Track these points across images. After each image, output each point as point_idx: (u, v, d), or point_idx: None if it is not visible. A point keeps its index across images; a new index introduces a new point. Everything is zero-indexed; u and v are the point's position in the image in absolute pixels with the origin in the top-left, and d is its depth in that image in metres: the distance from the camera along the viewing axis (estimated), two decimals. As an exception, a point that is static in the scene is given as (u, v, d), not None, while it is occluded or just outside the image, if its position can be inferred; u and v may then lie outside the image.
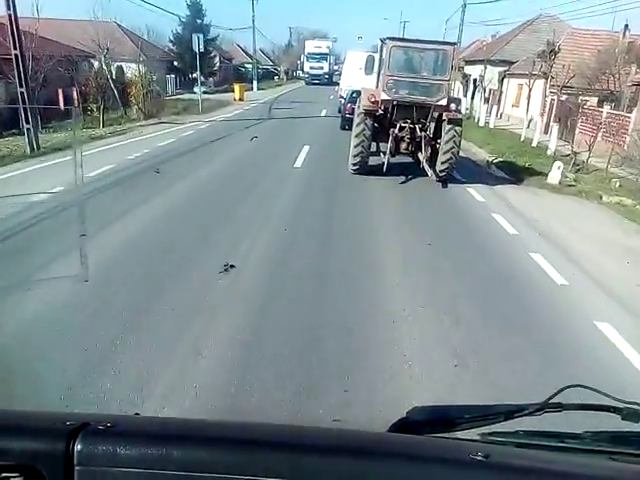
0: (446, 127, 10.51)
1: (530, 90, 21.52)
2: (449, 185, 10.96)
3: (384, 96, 10.53)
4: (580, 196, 11.14)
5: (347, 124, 15.66)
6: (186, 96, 32.54)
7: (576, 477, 0.85)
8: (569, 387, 1.10)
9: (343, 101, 19.73)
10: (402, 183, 11.04)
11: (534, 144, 18.02)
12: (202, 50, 23.74)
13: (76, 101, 21.88)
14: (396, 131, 10.94)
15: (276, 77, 70.56)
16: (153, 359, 3.88)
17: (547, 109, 21.49)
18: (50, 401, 3.22)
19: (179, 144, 14.77)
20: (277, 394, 3.54)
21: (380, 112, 10.81)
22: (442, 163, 10.68)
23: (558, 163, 12.15)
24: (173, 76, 40.08)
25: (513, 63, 27.54)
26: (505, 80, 28.63)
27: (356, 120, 11.01)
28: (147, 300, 4.84)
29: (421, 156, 11.18)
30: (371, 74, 12.03)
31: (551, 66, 19.94)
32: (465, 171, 12.17)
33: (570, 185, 12.03)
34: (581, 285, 5.93)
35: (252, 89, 43.95)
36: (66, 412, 0.96)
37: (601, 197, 11.07)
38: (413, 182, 11.22)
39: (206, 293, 5.07)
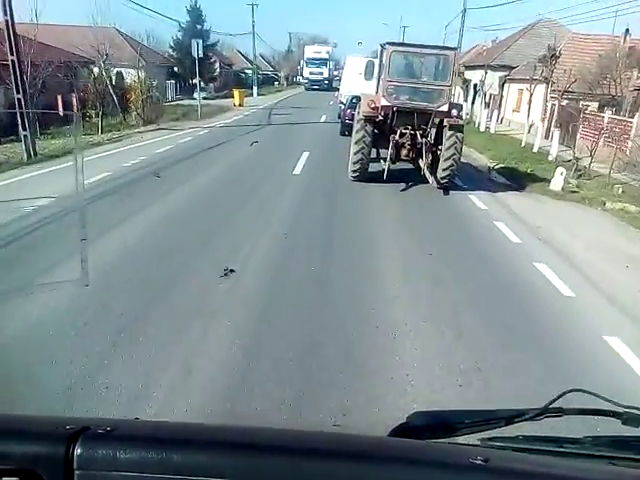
0: (447, 133, 10.35)
1: (531, 95, 21.42)
2: (450, 192, 10.79)
3: (384, 102, 10.38)
4: (583, 203, 10.99)
5: (347, 130, 15.57)
6: (186, 102, 32.49)
7: None
8: (569, 392, 1.09)
9: (343, 107, 19.63)
10: (403, 190, 10.88)
11: (535, 149, 17.91)
12: (201, 56, 23.66)
13: (75, 107, 21.82)
14: (396, 137, 10.78)
15: (276, 82, 70.66)
16: (152, 364, 3.87)
17: (548, 114, 21.38)
18: (50, 405, 3.21)
19: (177, 151, 14.61)
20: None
21: (380, 118, 10.65)
22: (443, 170, 10.52)
23: (561, 169, 12.00)
24: (173, 82, 40.05)
25: (513, 68, 27.48)
26: (505, 85, 28.55)
27: (356, 126, 10.86)
28: (145, 306, 4.81)
29: (422, 163, 11.03)
30: (371, 79, 11.89)
31: (552, 71, 19.84)
32: (466, 177, 12.03)
33: (573, 191, 11.88)
34: (588, 296, 5.75)
35: (252, 95, 43.97)
36: (66, 416, 0.99)
37: (604, 203, 10.92)
38: (414, 189, 11.06)
39: (205, 299, 4.99)
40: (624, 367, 4.22)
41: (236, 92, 34.53)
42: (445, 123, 10.40)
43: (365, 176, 11.07)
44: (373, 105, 10.44)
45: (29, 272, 5.49)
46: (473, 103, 31.39)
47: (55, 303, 4.75)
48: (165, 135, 18.23)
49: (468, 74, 33.85)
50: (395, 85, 10.48)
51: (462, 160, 11.28)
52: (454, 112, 10.26)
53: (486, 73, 29.08)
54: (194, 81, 29.96)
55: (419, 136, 10.75)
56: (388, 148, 10.87)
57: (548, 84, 20.23)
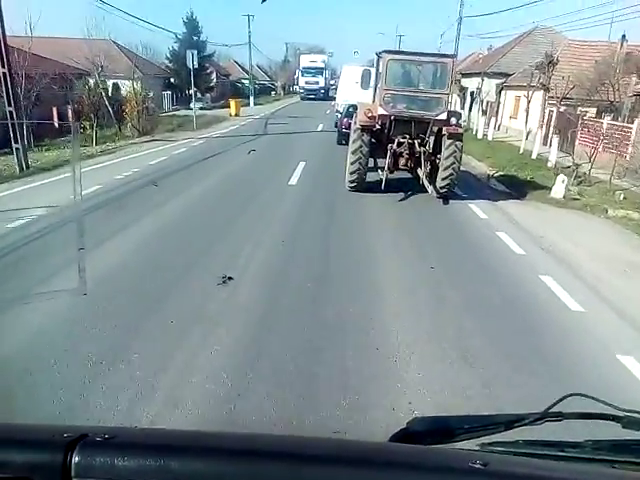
0: (446, 142, 10.13)
1: (529, 102, 21.29)
2: (450, 201, 10.56)
3: (381, 111, 10.17)
4: (585, 210, 10.79)
5: (344, 139, 15.38)
6: (182, 112, 32.36)
7: None
8: (569, 396, 1.09)
9: (339, 115, 19.49)
10: (401, 200, 10.65)
11: (534, 156, 17.76)
12: (197, 66, 23.55)
13: (70, 119, 21.67)
14: (394, 147, 10.55)
15: (273, 92, 70.79)
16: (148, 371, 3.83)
17: (546, 121, 21.26)
18: (48, 414, 3.19)
19: (170, 162, 14.37)
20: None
21: (377, 127, 10.42)
22: (443, 179, 10.28)
23: (562, 177, 11.80)
24: (170, 93, 39.99)
25: (510, 75, 27.45)
26: (502, 92, 28.50)
27: (353, 136, 10.65)
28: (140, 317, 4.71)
29: (420, 172, 10.80)
30: (367, 88, 11.70)
31: (550, 77, 19.72)
32: (466, 186, 11.81)
33: (574, 199, 11.69)
34: (598, 311, 5.49)
35: (249, 104, 43.92)
36: (64, 424, 0.93)
37: (607, 211, 10.72)
38: (412, 199, 10.82)
39: (197, 314, 4.71)
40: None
41: (232, 102, 34.41)
42: (444, 132, 10.18)
43: (362, 186, 10.83)
44: (370, 114, 10.22)
45: (26, 281, 5.48)
46: (470, 110, 31.35)
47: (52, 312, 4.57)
48: (160, 146, 17.99)
49: (465, 82, 33.85)
50: (392, 94, 10.28)
51: (461, 168, 11.06)
52: (453, 120, 10.05)
53: (483, 80, 29.02)
54: (190, 92, 29.93)
55: (417, 145, 10.53)
56: (386, 157, 10.65)
57: (546, 91, 20.10)
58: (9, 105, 12.91)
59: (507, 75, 27.74)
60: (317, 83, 56.10)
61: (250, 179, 12.20)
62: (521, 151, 19.12)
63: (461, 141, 10.24)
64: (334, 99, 27.82)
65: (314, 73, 55.94)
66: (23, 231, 7.41)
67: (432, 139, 10.71)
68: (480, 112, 27.85)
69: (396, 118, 10.22)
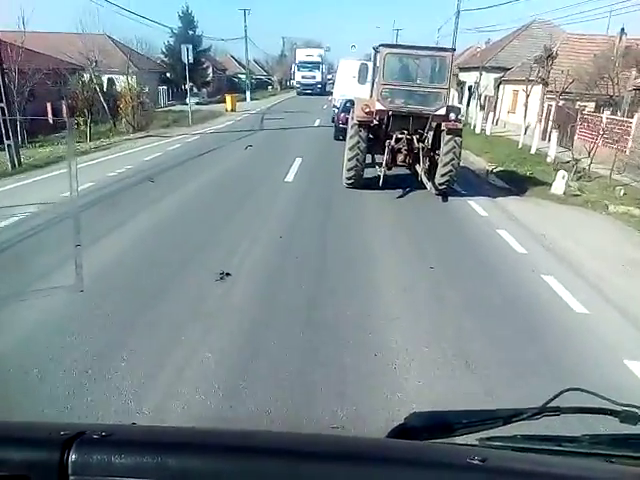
0: (445, 138, 9.93)
1: (527, 96, 21.11)
2: (449, 198, 10.38)
3: (379, 106, 9.96)
4: (586, 206, 10.65)
5: (341, 134, 15.21)
6: (178, 107, 32.09)
7: None
8: (567, 390, 1.08)
9: (336, 111, 19.29)
10: (399, 197, 10.47)
11: (533, 151, 17.60)
12: (192, 61, 23.22)
13: (65, 114, 21.40)
14: (392, 142, 10.34)
15: (270, 87, 70.45)
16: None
17: (544, 115, 21.09)
18: (45, 412, 3.15)
19: (165, 159, 14.12)
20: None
21: (375, 123, 10.22)
22: (442, 176, 10.10)
23: (562, 172, 11.63)
24: (165, 88, 39.65)
25: (508, 69, 27.25)
26: (500, 86, 28.30)
27: (350, 132, 10.44)
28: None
29: (419, 168, 10.60)
30: (365, 83, 11.49)
31: (549, 71, 19.54)
32: (465, 182, 11.63)
33: (575, 195, 11.54)
34: (602, 313, 5.33)
35: (245, 99, 43.63)
36: (61, 422, 0.93)
37: (607, 207, 10.58)
38: (411, 196, 10.64)
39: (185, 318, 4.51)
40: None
41: (228, 97, 34.13)
42: (443, 127, 9.97)
43: (360, 183, 10.64)
44: (367, 109, 10.02)
45: (22, 278, 5.45)
46: (468, 105, 31.15)
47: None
48: (154, 142, 17.75)
49: (462, 76, 33.61)
50: (390, 88, 10.07)
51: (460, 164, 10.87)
52: (452, 116, 9.85)
53: (481, 75, 28.81)
54: (186, 87, 29.64)
55: (416, 141, 10.32)
56: (384, 153, 10.46)
57: (545, 85, 19.92)
58: (0, 101, 12.66)
59: (505, 69, 27.53)
60: (314, 78, 54.85)
61: (245, 176, 12.00)
62: (520, 146, 18.96)
63: (460, 137, 10.04)
64: (331, 94, 27.54)
65: (310, 67, 54.77)
66: (16, 228, 7.29)
67: (431, 135, 10.51)
68: (478, 106, 27.66)
69: (394, 113, 10.01)
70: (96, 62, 23.02)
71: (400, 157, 10.70)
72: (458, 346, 4.43)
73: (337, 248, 7.13)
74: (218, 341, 4.34)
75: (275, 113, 31.06)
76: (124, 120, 22.18)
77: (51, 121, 21.61)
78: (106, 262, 5.95)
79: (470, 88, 31.53)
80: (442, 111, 9.84)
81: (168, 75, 40.96)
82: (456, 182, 10.60)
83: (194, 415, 3.27)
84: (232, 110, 32.66)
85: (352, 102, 11.91)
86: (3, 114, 12.91)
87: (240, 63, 62.50)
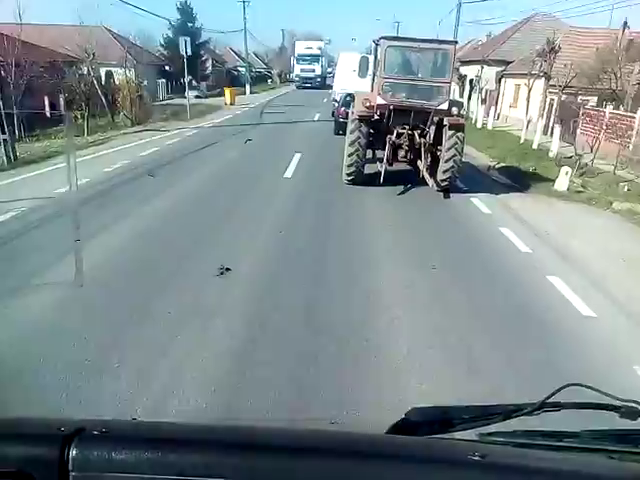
0: (448, 133, 9.70)
1: (530, 90, 20.86)
2: (451, 195, 10.18)
3: (380, 100, 9.74)
4: (590, 203, 10.48)
5: (341, 129, 15.00)
6: (177, 101, 31.72)
7: (575, 476, 0.85)
8: (567, 386, 1.07)
9: (336, 105, 19.06)
10: (400, 194, 10.27)
11: (535, 146, 17.41)
12: (190, 54, 22.92)
13: (63, 108, 21.16)
14: (393, 138, 10.12)
15: (270, 80, 69.99)
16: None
17: (547, 110, 20.86)
18: (45, 407, 3.13)
19: (162, 154, 13.88)
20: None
21: (376, 118, 9.99)
22: (444, 172, 9.88)
23: (566, 168, 11.44)
24: (164, 81, 39.30)
25: (509, 63, 26.96)
26: (502, 80, 28.02)
27: (350, 127, 10.22)
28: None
29: (421, 164, 10.37)
30: (365, 77, 11.23)
31: (551, 65, 19.28)
32: (467, 178, 11.41)
33: (578, 191, 11.37)
34: (610, 316, 5.17)
35: (245, 93, 43.28)
36: (61, 418, 0.90)
37: (611, 204, 10.42)
38: (412, 192, 10.44)
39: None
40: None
41: (227, 90, 33.82)
42: (445, 122, 9.73)
43: (360, 179, 10.44)
44: (368, 104, 9.80)
45: (21, 273, 5.45)
46: (469, 99, 30.86)
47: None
48: (152, 137, 17.49)
49: (463, 69, 33.29)
50: (391, 82, 9.85)
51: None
52: (454, 110, 9.64)
53: (482, 68, 28.53)
54: (185, 80, 29.38)
55: (417, 136, 10.10)
56: (384, 149, 10.26)
57: (547, 79, 19.67)
58: (-5, 95, 12.46)
59: (507, 63, 27.24)
60: (313, 71, 53.25)
61: (243, 172, 11.80)
62: (522, 141, 18.75)
63: (463, 132, 9.82)
64: (331, 88, 27.26)
65: (310, 60, 53.05)
66: (11, 224, 7.21)
67: (433, 130, 10.23)
68: (479, 101, 27.41)
69: (395, 108, 9.79)
70: (94, 55, 22.67)
71: (401, 153, 10.49)
72: (462, 353, 4.27)
73: (336, 247, 6.97)
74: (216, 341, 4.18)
75: (274, 107, 30.77)
76: (122, 114, 21.94)
77: (49, 114, 21.38)
78: (97, 263, 5.76)
79: (471, 82, 31.23)
80: (444, 106, 9.63)
81: (167, 68, 40.55)
82: (458, 178, 10.40)
83: (194, 411, 3.27)
84: (231, 104, 32.36)
85: (352, 96, 11.68)
86: (-2, 108, 12.73)
87: (240, 56, 61.97)
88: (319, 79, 53.34)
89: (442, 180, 10.02)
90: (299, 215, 8.55)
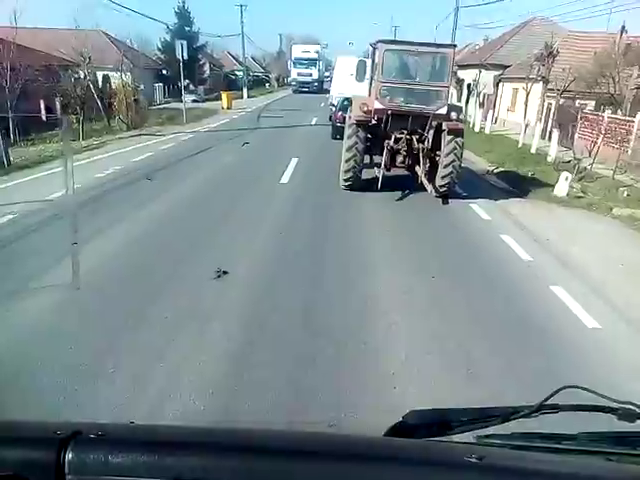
0: (446, 138, 9.55)
1: (527, 94, 20.79)
2: (450, 201, 10.02)
3: (377, 105, 9.59)
4: (590, 209, 10.35)
5: (338, 133, 14.85)
6: (173, 105, 31.56)
7: (573, 478, 0.85)
8: (565, 388, 1.07)
9: (334, 109, 18.93)
10: (399, 200, 10.11)
11: (533, 150, 17.31)
12: (186, 57, 22.77)
13: (59, 112, 20.99)
14: (391, 143, 9.96)
15: (267, 84, 69.99)
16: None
17: (545, 114, 20.79)
18: (41, 411, 3.09)
19: (156, 159, 13.69)
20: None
21: (373, 122, 9.84)
22: (442, 178, 9.72)
23: (565, 174, 11.31)
24: (161, 85, 39.17)
25: (507, 67, 26.93)
26: (500, 84, 27.98)
27: (347, 132, 10.06)
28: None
29: (419, 170, 10.22)
30: (363, 81, 11.08)
31: (549, 69, 19.22)
32: (465, 183, 11.25)
33: (578, 196, 11.25)
34: (616, 328, 5.00)
35: (242, 97, 43.16)
36: (57, 421, 0.89)
37: (611, 209, 10.29)
38: (411, 198, 10.27)
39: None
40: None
41: (224, 94, 33.67)
42: (444, 127, 9.58)
43: (358, 185, 10.28)
44: (366, 109, 9.65)
45: (19, 276, 5.48)
46: (467, 103, 30.81)
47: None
48: (147, 141, 17.30)
49: (461, 73, 33.26)
50: (389, 86, 9.70)
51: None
52: (453, 115, 9.48)
53: (480, 72, 28.49)
54: (181, 84, 29.23)
55: (415, 141, 9.94)
56: (382, 154, 10.10)
57: (546, 83, 19.60)
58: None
59: (504, 67, 27.21)
60: (310, 75, 52.32)
61: (238, 177, 11.64)
62: (520, 145, 18.67)
63: (462, 137, 9.66)
64: (329, 92, 27.14)
65: (307, 64, 52.08)
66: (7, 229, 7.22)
67: (431, 135, 10.06)
68: (477, 105, 27.36)
69: (393, 112, 9.62)
70: (89, 58, 22.53)
71: (399, 158, 10.33)
72: (462, 366, 4.10)
73: (334, 253, 6.83)
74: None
75: (272, 111, 30.63)
76: (117, 118, 21.79)
77: (44, 118, 21.22)
78: (89, 268, 5.59)
79: (469, 86, 31.19)
80: (443, 110, 9.47)
81: (164, 72, 40.40)
82: (457, 184, 10.26)
83: (191, 413, 3.27)
84: (228, 108, 32.22)
85: (350, 100, 11.54)
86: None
87: (237, 60, 61.97)
88: (316, 83, 52.57)
89: (441, 186, 9.86)
90: (295, 222, 8.39)
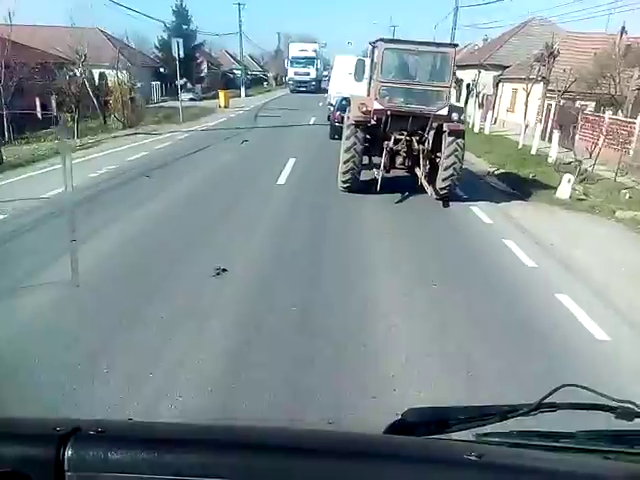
0: (447, 139, 9.32)
1: (528, 95, 20.63)
2: (450, 203, 9.81)
3: (377, 105, 9.36)
4: (593, 212, 10.18)
5: (336, 133, 14.67)
6: (170, 103, 31.36)
7: (570, 476, 0.85)
8: (563, 387, 1.07)
9: (332, 109, 18.74)
10: (398, 202, 9.89)
11: (533, 151, 17.15)
12: (182, 55, 22.51)
13: (54, 109, 20.79)
14: (391, 144, 9.73)
15: (265, 83, 69.81)
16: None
17: (545, 115, 20.63)
18: (41, 407, 3.09)
19: (150, 158, 13.48)
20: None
21: (372, 123, 9.61)
22: (443, 180, 9.49)
23: (568, 176, 11.13)
24: (159, 83, 38.92)
25: (506, 67, 26.79)
26: (499, 85, 27.84)
27: (346, 132, 9.83)
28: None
29: (419, 172, 9.99)
30: (361, 80, 10.87)
31: (550, 70, 19.05)
32: (466, 185, 11.02)
33: (580, 199, 11.08)
34: (625, 340, 4.80)
35: (240, 95, 42.93)
36: (56, 417, 0.90)
37: (614, 212, 10.13)
38: (410, 201, 10.06)
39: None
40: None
41: (221, 93, 33.47)
42: (445, 128, 9.35)
43: (356, 186, 10.05)
44: (364, 109, 9.42)
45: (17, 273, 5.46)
46: (466, 103, 30.66)
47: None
48: (142, 140, 17.09)
49: (460, 73, 33.08)
50: (388, 86, 9.48)
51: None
52: (454, 116, 9.25)
53: (479, 73, 28.34)
54: (181, 82, 28.96)
55: (415, 142, 9.71)
56: (381, 155, 9.87)
57: (546, 84, 19.44)
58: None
59: (503, 67, 27.07)
60: (308, 74, 50.71)
61: (234, 178, 11.43)
62: (520, 146, 18.50)
63: (463, 139, 9.43)
64: (327, 91, 26.92)
65: (304, 63, 50.51)
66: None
67: (432, 136, 9.83)
68: (476, 105, 27.22)
69: (393, 113, 9.39)
70: (85, 56, 22.26)
71: (399, 160, 10.12)
72: (465, 380, 3.91)
73: (332, 257, 6.66)
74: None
75: (269, 110, 30.42)
76: (113, 116, 21.57)
77: (40, 116, 21.00)
78: (85, 269, 5.37)
79: (468, 86, 31.04)
80: (444, 111, 9.25)
81: (162, 70, 40.14)
82: (458, 186, 10.05)
83: (190, 410, 3.29)
84: (225, 107, 32.00)
85: (348, 100, 11.32)
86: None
87: (235, 59, 61.72)
88: (314, 83, 51.15)
89: (441, 188, 9.65)
90: (292, 225, 8.19)
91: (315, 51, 52.69)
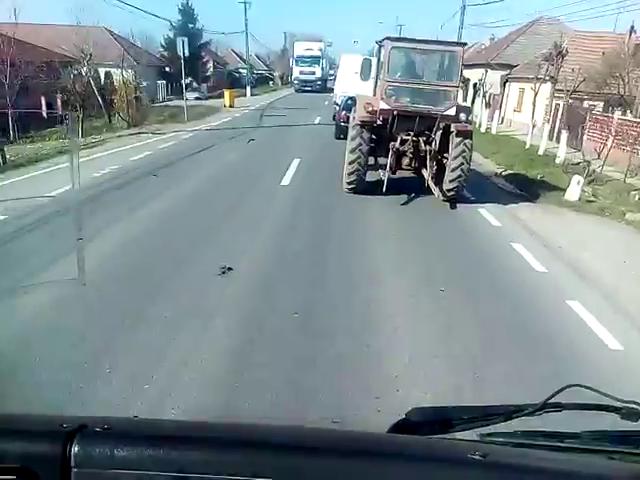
0: (455, 140, 9.14)
1: (535, 95, 20.41)
2: (458, 205, 9.64)
3: (383, 105, 9.20)
4: (602, 214, 10.00)
5: (342, 133, 14.56)
6: (176, 103, 31.32)
7: (575, 476, 0.85)
8: (568, 387, 1.06)
9: (337, 108, 18.61)
10: (404, 204, 9.74)
11: (541, 152, 16.94)
12: (187, 54, 22.46)
13: (60, 108, 20.77)
14: (397, 145, 9.56)
15: (271, 82, 69.74)
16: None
17: (552, 114, 20.42)
18: (47, 404, 3.07)
19: (154, 158, 13.38)
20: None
21: (379, 123, 9.44)
22: (450, 181, 9.31)
23: (577, 177, 10.95)
24: (165, 82, 38.90)
25: (513, 67, 26.55)
26: (506, 84, 27.60)
27: (351, 133, 9.67)
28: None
29: (426, 173, 9.81)
30: (367, 80, 10.71)
31: (558, 69, 18.84)
32: (473, 186, 10.85)
33: (589, 201, 10.90)
34: (637, 345, 4.66)
35: (246, 95, 42.81)
36: (62, 414, 0.90)
37: (624, 214, 9.95)
38: (417, 202, 9.91)
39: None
40: None
41: (226, 92, 33.38)
42: (452, 129, 9.17)
43: (362, 187, 9.89)
44: (370, 109, 9.26)
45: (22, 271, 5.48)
46: (473, 103, 30.44)
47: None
48: (146, 140, 17.02)
49: (467, 73, 32.85)
50: (395, 86, 9.33)
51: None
52: (462, 116, 9.07)
53: (487, 72, 28.12)
54: (186, 81, 28.87)
55: (422, 143, 9.53)
56: (387, 156, 9.72)
57: (554, 83, 19.22)
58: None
59: (511, 66, 26.82)
60: (313, 73, 49.55)
61: (238, 179, 11.30)
62: (527, 146, 18.30)
63: (471, 139, 9.25)
64: (332, 91, 26.73)
65: (310, 62, 49.28)
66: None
67: (439, 136, 9.63)
68: (483, 105, 27.01)
69: (399, 113, 9.22)
70: (90, 55, 22.24)
71: (405, 160, 9.96)
72: (473, 389, 3.77)
73: (336, 258, 6.57)
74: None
75: (275, 109, 30.30)
76: (117, 115, 21.53)
77: (45, 115, 20.98)
78: (90, 268, 5.29)
79: (475, 85, 30.80)
80: (451, 111, 9.08)
81: (167, 69, 40.09)
82: (465, 187, 9.88)
83: (195, 408, 3.30)
84: (230, 106, 31.91)
85: (354, 99, 11.17)
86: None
87: (241, 58, 61.57)
88: (319, 82, 50.01)
89: (448, 190, 9.47)
90: (297, 225, 8.09)
91: (321, 50, 51.41)
